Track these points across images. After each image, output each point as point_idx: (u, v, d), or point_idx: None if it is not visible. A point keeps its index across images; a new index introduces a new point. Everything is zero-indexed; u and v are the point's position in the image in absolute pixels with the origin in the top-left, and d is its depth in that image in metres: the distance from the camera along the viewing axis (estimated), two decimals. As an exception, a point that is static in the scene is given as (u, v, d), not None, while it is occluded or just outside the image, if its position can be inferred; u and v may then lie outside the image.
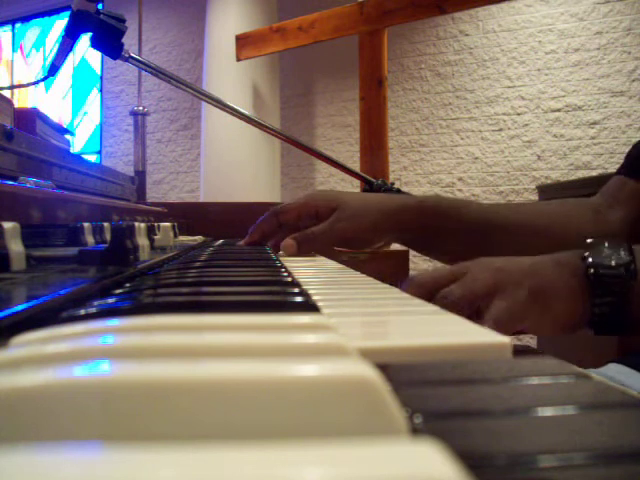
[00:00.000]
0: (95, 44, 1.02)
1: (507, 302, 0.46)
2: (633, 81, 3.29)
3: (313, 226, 0.74)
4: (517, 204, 0.80)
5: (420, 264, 3.56)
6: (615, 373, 0.57)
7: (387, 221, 0.73)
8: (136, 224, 0.52)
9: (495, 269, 0.48)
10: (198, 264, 0.50)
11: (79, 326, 0.20)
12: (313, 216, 0.75)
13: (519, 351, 0.22)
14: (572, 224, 0.71)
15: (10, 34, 5.49)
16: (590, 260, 0.48)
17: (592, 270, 0.48)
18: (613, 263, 0.47)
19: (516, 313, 0.47)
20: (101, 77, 5.06)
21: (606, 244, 0.49)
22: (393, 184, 1.26)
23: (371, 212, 0.73)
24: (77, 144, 5.12)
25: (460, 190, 3.68)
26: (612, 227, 0.70)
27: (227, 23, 3.58)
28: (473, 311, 0.47)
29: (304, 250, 0.73)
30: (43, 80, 1.24)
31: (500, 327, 0.44)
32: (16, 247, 0.39)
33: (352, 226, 0.72)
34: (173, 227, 0.90)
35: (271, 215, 0.77)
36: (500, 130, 3.60)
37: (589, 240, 0.50)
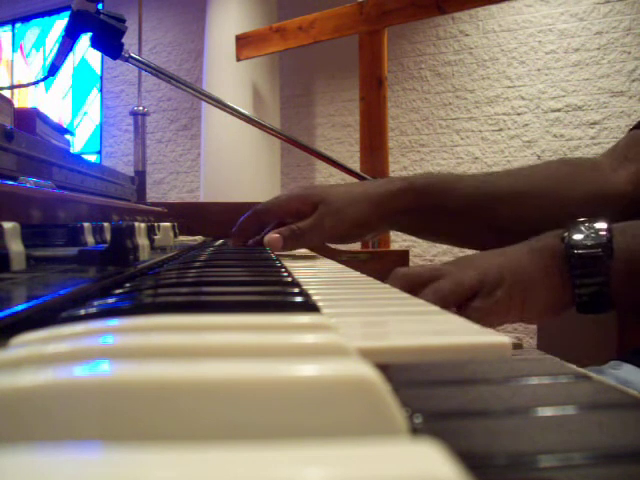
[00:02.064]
0: (95, 44, 1.02)
1: (487, 302, 0.48)
2: (633, 81, 3.29)
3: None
4: (513, 170, 0.74)
5: (420, 264, 3.56)
6: (619, 371, 0.57)
7: (378, 210, 0.69)
8: (136, 224, 0.52)
9: (479, 268, 0.50)
10: (198, 264, 0.50)
11: (79, 326, 0.20)
12: (294, 214, 0.71)
13: (519, 351, 0.22)
14: (574, 186, 0.68)
15: (10, 34, 5.49)
16: (568, 242, 0.49)
17: (571, 252, 0.49)
18: (590, 243, 0.48)
19: (495, 312, 0.48)
20: (101, 77, 5.06)
21: (586, 224, 0.50)
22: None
23: (358, 204, 0.69)
24: (77, 144, 5.12)
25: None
26: (617, 187, 0.67)
27: (227, 23, 3.58)
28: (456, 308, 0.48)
29: (290, 246, 0.69)
30: (43, 80, 1.24)
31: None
32: (16, 247, 0.39)
33: (339, 221, 0.69)
34: (173, 227, 0.90)
35: (252, 215, 0.74)
36: (500, 130, 3.60)
37: (579, 219, 0.51)
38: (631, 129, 0.72)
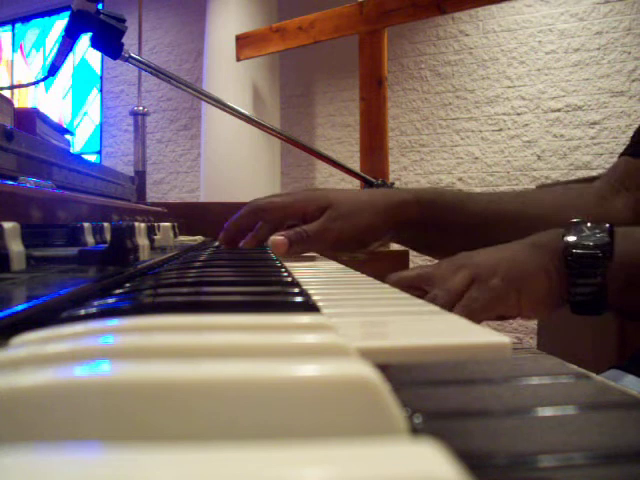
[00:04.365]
0: (95, 44, 1.02)
1: (480, 292, 0.48)
2: (633, 81, 3.29)
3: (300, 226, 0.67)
4: (519, 193, 0.76)
5: (420, 264, 3.56)
6: (617, 379, 0.57)
7: (384, 220, 0.68)
8: (136, 224, 0.52)
9: (471, 264, 0.50)
10: (198, 264, 0.50)
11: (79, 326, 0.20)
12: (300, 217, 0.68)
13: (519, 351, 0.22)
14: (577, 213, 0.69)
15: (10, 34, 5.49)
16: (568, 240, 0.49)
17: (570, 250, 0.49)
18: (590, 244, 0.48)
19: (489, 301, 0.48)
20: (101, 77, 5.06)
21: (587, 225, 0.50)
22: (393, 184, 1.27)
23: (366, 211, 0.67)
24: (77, 144, 5.12)
25: (460, 191, 3.68)
26: (618, 214, 0.67)
27: (227, 23, 3.58)
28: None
29: (296, 250, 0.65)
30: (43, 80, 1.24)
31: (473, 315, 0.45)
32: (16, 247, 0.39)
33: (347, 226, 0.67)
34: (173, 227, 0.90)
35: (251, 212, 0.70)
36: (500, 130, 3.60)
37: (573, 220, 0.51)
38: (621, 154, 0.72)
